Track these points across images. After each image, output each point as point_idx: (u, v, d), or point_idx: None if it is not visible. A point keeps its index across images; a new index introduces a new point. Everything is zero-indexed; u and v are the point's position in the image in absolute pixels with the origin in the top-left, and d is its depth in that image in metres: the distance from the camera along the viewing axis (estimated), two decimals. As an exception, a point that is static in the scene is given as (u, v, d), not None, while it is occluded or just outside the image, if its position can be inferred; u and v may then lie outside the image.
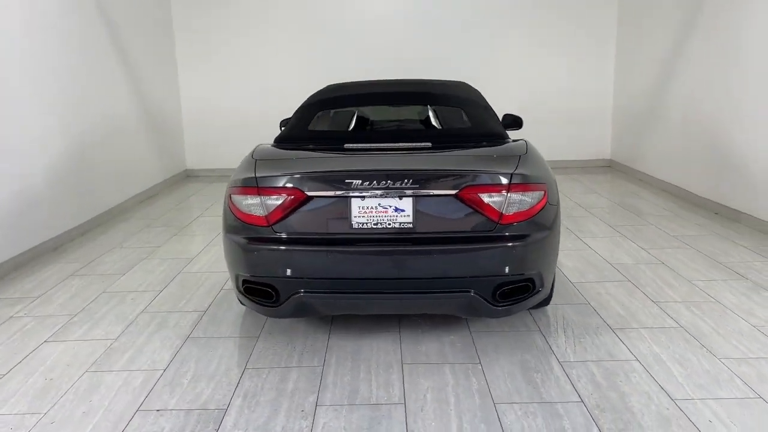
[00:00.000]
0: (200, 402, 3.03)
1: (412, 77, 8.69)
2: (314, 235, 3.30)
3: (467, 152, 3.66)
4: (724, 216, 6.28)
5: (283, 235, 3.29)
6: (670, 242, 5.45)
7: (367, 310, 3.57)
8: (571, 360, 3.35)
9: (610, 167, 9.61)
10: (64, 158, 5.97)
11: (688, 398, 2.95)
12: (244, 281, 3.40)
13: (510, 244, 3.21)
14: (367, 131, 4.78)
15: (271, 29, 9.25)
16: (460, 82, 4.59)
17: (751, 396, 2.95)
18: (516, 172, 3.26)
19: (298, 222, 3.27)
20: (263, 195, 3.27)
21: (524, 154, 3.52)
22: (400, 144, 3.73)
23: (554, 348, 3.50)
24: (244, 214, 3.34)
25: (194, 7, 9.17)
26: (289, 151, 3.73)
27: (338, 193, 3.22)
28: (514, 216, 3.22)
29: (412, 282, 3.26)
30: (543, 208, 3.31)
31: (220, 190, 8.34)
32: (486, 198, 3.19)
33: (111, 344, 3.68)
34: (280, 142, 3.96)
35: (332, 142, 3.97)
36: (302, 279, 3.28)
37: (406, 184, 3.17)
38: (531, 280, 3.32)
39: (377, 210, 3.21)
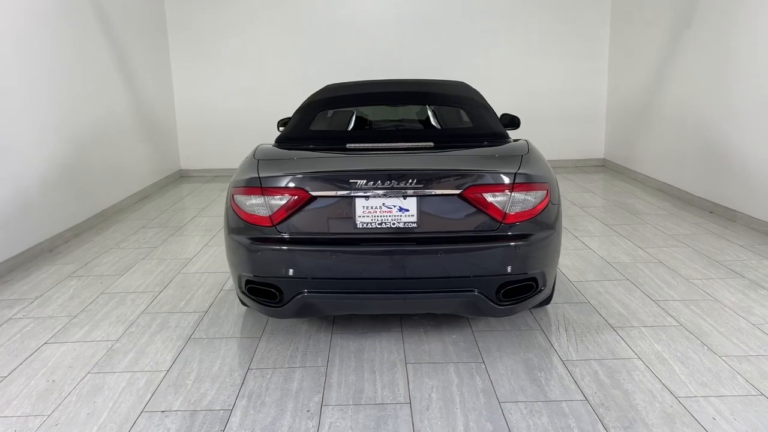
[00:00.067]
0: (205, 403, 3.02)
1: (407, 77, 8.76)
2: (318, 235, 3.30)
3: (470, 152, 3.67)
4: (719, 215, 6.33)
5: (287, 236, 3.28)
6: (667, 241, 5.49)
7: (370, 310, 3.57)
8: (574, 359, 3.37)
9: (603, 166, 9.66)
10: (59, 159, 5.93)
11: (691, 396, 2.97)
12: (248, 281, 3.39)
13: (514, 243, 3.23)
14: (368, 131, 4.78)
15: (265, 29, 9.24)
16: (459, 81, 4.60)
17: (753, 393, 2.98)
18: (519, 171, 3.28)
19: (303, 222, 3.27)
20: (267, 195, 3.26)
21: (526, 153, 3.53)
22: (403, 144, 3.74)
23: (556, 347, 3.51)
24: (248, 214, 3.33)
25: (188, 7, 9.15)
26: (291, 151, 3.72)
27: (343, 193, 3.22)
28: (518, 215, 3.24)
29: (416, 282, 3.27)
30: (546, 207, 3.33)
31: (215, 190, 8.35)
32: (490, 198, 3.20)
33: (112, 345, 3.66)
34: (282, 142, 3.95)
35: (334, 142, 3.97)
36: (306, 279, 3.28)
37: (411, 183, 3.18)
38: (534, 280, 3.34)
39: (381, 210, 3.21)
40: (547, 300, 3.84)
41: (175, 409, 2.97)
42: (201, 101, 9.41)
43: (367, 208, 3.21)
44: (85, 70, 6.59)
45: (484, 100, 4.30)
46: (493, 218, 3.23)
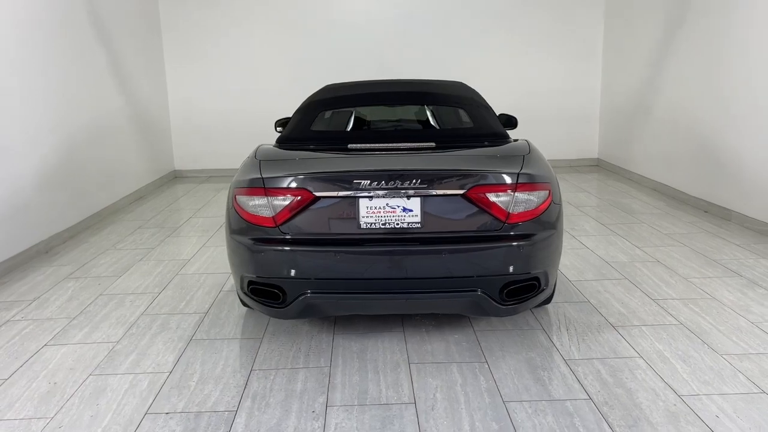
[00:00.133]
0: (209, 404, 3.01)
1: (400, 77, 8.76)
2: (322, 235, 3.30)
3: (472, 152, 3.68)
4: (714, 214, 6.38)
5: (291, 236, 3.28)
6: (663, 240, 5.52)
7: (374, 311, 3.57)
8: (576, 358, 3.39)
9: (597, 166, 9.70)
10: (55, 159, 5.89)
11: (693, 394, 2.99)
12: (250, 282, 3.39)
13: (517, 243, 3.24)
14: (370, 132, 4.78)
15: (258, 30, 9.21)
16: (457, 81, 4.60)
17: (755, 391, 3.00)
18: (522, 171, 3.29)
19: (306, 222, 3.26)
20: (270, 196, 3.26)
21: (528, 153, 3.55)
22: (405, 144, 3.74)
23: (558, 346, 3.53)
24: (251, 215, 3.32)
25: (182, 8, 9.11)
26: (293, 152, 3.72)
27: (347, 193, 3.22)
28: (521, 215, 3.25)
29: (420, 282, 3.27)
30: (548, 207, 3.34)
31: (210, 191, 8.33)
32: (493, 198, 3.21)
33: (113, 347, 3.65)
34: (283, 142, 3.94)
35: (335, 142, 3.96)
36: (310, 279, 3.28)
37: (415, 184, 3.18)
38: (537, 279, 3.35)
39: (385, 210, 3.22)
40: (548, 299, 3.86)
41: (179, 410, 2.96)
42: (195, 101, 9.37)
43: (370, 208, 3.22)
44: (80, 71, 6.55)
45: (484, 100, 4.31)
46: (496, 218, 3.24)
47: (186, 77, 9.31)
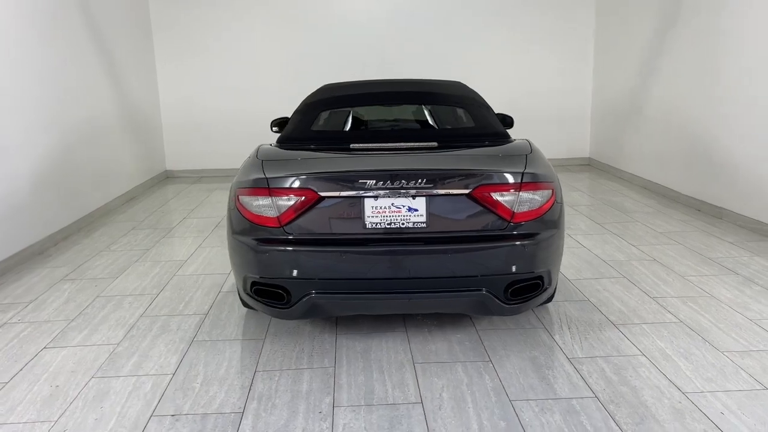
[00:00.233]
0: (215, 406, 2.99)
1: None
2: (327, 235, 3.29)
3: (475, 152, 3.69)
4: (707, 212, 6.44)
5: (296, 236, 3.27)
6: (658, 238, 5.57)
7: (379, 311, 3.57)
8: (580, 356, 3.40)
9: (588, 165, 9.76)
10: (48, 160, 5.83)
11: (698, 391, 3.02)
12: (254, 283, 3.37)
13: (522, 242, 3.25)
14: (372, 131, 4.76)
15: (251, 28, 9.17)
16: (456, 81, 4.61)
17: (758, 388, 3.04)
18: (526, 171, 3.30)
19: (311, 223, 3.25)
20: (275, 196, 3.24)
21: (530, 153, 3.56)
22: (407, 144, 3.73)
23: (561, 344, 3.55)
24: (254, 215, 3.30)
25: (173, 6, 9.04)
26: (294, 152, 3.70)
27: (352, 193, 3.21)
28: (526, 215, 3.27)
29: (425, 281, 3.27)
30: (551, 206, 3.36)
31: (202, 191, 8.28)
32: (498, 197, 3.22)
33: (114, 349, 3.61)
34: (283, 142, 3.93)
35: (337, 142, 3.95)
36: (315, 280, 3.27)
37: (420, 183, 3.18)
38: (541, 278, 3.36)
39: (390, 210, 3.21)
40: (549, 298, 3.88)
41: (185, 412, 2.94)
42: (186, 101, 9.31)
43: (376, 208, 3.21)
44: (71, 70, 6.48)
45: (483, 99, 4.32)
46: (501, 218, 3.25)
47: (177, 76, 9.24)
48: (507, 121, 5.06)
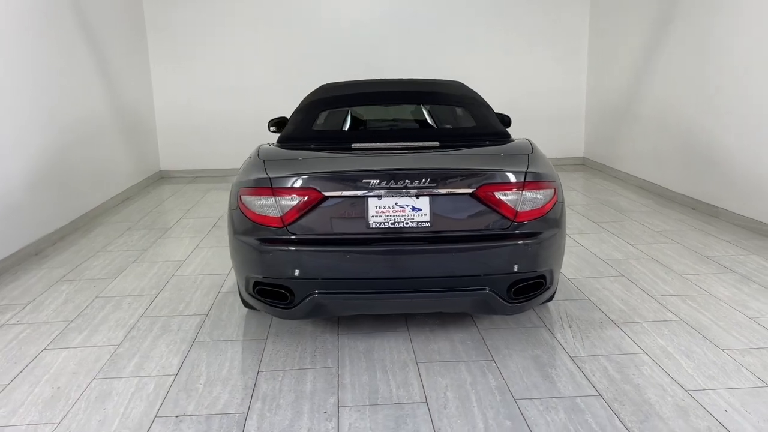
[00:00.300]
0: (219, 406, 2.98)
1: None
2: (330, 235, 3.28)
3: (477, 151, 3.69)
4: (702, 211, 6.47)
5: (299, 236, 3.26)
6: (655, 237, 5.59)
7: (382, 310, 3.57)
8: (582, 354, 3.41)
9: (583, 164, 9.80)
10: (42, 161, 5.79)
11: (700, 389, 3.03)
12: (257, 283, 3.36)
13: (525, 241, 3.26)
14: (373, 131, 4.76)
15: (245, 29, 9.14)
16: (455, 80, 4.61)
17: (760, 385, 3.06)
18: (529, 170, 3.31)
19: (314, 222, 3.25)
20: (278, 195, 3.23)
21: (531, 152, 3.57)
22: (409, 143, 3.73)
23: (563, 343, 3.56)
24: (257, 215, 3.29)
25: (167, 7, 9.00)
26: (296, 152, 3.69)
27: (355, 192, 3.20)
28: (528, 214, 3.27)
29: (429, 281, 3.27)
30: (554, 205, 3.37)
31: (197, 191, 8.25)
32: (502, 196, 3.22)
33: (115, 350, 3.59)
34: (284, 142, 3.91)
35: (339, 142, 3.95)
36: (318, 280, 3.26)
37: (424, 183, 3.18)
38: (543, 277, 3.37)
39: (394, 209, 3.21)
40: (550, 297, 3.89)
41: (189, 413, 2.93)
42: (180, 101, 9.27)
43: (379, 207, 3.21)
44: (65, 71, 6.44)
45: (483, 99, 4.33)
46: (504, 217, 3.25)
47: (172, 77, 9.20)
48: (505, 121, 5.09)
